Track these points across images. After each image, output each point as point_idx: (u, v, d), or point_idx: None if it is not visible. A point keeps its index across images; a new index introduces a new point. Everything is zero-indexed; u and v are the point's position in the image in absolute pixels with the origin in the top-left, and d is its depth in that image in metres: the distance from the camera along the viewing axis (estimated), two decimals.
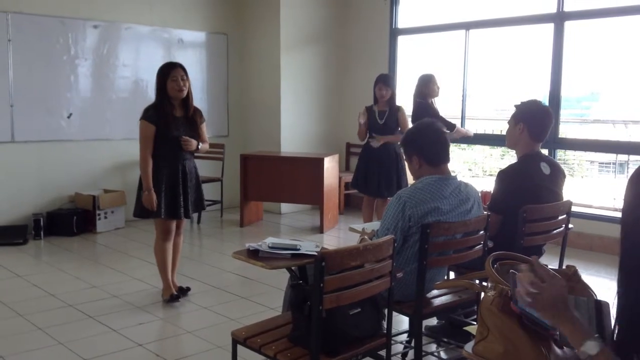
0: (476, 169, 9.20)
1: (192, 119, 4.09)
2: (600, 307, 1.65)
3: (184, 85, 3.97)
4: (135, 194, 4.19)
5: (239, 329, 2.46)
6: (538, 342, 1.53)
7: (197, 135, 4.11)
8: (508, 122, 3.33)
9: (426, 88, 5.78)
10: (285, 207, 7.51)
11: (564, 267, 3.41)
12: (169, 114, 3.98)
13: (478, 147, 8.64)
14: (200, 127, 4.15)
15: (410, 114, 5.81)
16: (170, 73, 3.97)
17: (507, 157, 10.67)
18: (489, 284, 1.66)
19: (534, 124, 3.23)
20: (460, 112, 6.90)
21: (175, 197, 4.06)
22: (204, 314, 4.03)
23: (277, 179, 6.66)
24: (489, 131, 7.63)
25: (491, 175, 9.89)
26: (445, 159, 2.87)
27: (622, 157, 8.12)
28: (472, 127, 7.16)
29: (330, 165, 6.62)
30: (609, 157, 8.38)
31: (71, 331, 3.67)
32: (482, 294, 1.64)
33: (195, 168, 4.24)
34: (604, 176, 8.84)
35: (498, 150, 9.85)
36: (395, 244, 2.37)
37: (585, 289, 1.75)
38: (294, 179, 6.60)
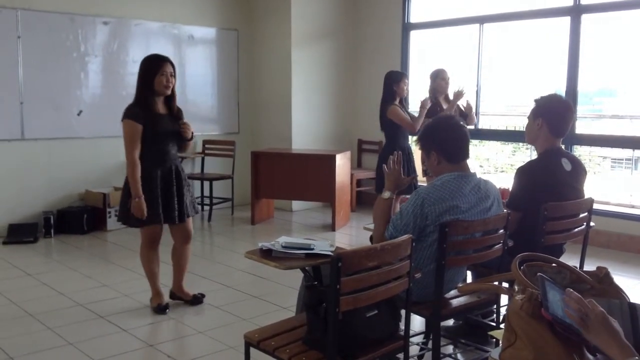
0: (487, 165, 9.08)
1: (175, 117, 3.81)
2: (635, 310, 1.56)
3: (171, 82, 3.69)
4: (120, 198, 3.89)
5: (252, 331, 2.39)
6: (570, 349, 1.44)
7: (179, 133, 3.80)
8: (527, 118, 3.23)
9: (434, 83, 5.69)
10: (296, 204, 7.44)
11: (585, 267, 3.33)
12: (154, 111, 3.68)
13: (489, 144, 8.52)
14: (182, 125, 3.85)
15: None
16: (160, 68, 3.66)
17: (519, 154, 10.53)
18: (516, 287, 1.58)
19: (554, 119, 3.13)
20: (473, 107, 6.78)
21: (170, 200, 3.77)
22: (215, 314, 3.96)
23: (288, 176, 6.59)
24: (501, 127, 7.52)
25: (502, 172, 9.76)
26: (465, 155, 2.77)
27: (638, 153, 7.96)
28: (485, 123, 7.06)
29: (342, 162, 6.54)
30: (622, 152, 8.24)
31: (81, 331, 3.62)
32: (508, 298, 1.55)
33: (183, 170, 3.93)
34: (616, 172, 8.70)
35: (509, 147, 9.72)
36: (414, 244, 2.28)
37: (618, 292, 1.67)
38: (306, 176, 6.52)
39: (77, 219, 6.10)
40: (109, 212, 6.23)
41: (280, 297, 4.24)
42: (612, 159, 8.75)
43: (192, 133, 3.84)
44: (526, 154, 10.45)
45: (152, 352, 3.35)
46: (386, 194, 2.75)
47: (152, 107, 3.70)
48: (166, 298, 4.03)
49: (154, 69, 3.68)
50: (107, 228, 6.22)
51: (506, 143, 8.41)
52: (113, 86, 6.61)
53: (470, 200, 2.66)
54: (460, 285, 1.63)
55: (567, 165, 3.15)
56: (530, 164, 3.21)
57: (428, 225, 2.56)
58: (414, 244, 2.28)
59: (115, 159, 6.66)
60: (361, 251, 2.08)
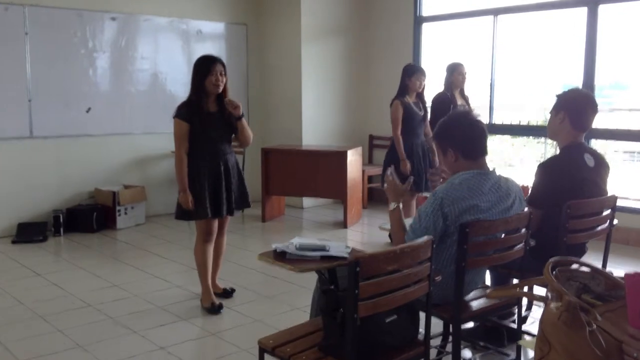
0: (497, 159, 8.95)
1: (227, 113, 3.85)
2: None
3: (221, 81, 3.77)
4: (175, 193, 3.95)
5: (267, 337, 2.30)
6: None
7: (233, 130, 3.90)
8: (549, 112, 3.11)
9: (451, 77, 5.57)
10: (307, 201, 7.36)
11: (607, 267, 3.22)
12: (203, 110, 3.79)
13: (498, 137, 8.39)
14: (238, 121, 3.91)
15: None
16: (210, 68, 3.76)
17: (529, 147, 10.38)
18: (550, 294, 1.47)
19: (576, 112, 3.02)
20: (488, 101, 6.67)
21: (218, 195, 3.85)
22: (227, 315, 3.88)
23: (299, 173, 6.50)
24: (514, 121, 7.38)
25: (511, 166, 9.62)
26: (483, 151, 2.66)
27: None
28: (498, 117, 6.93)
29: (354, 159, 6.44)
30: (634, 145, 8.10)
31: (91, 333, 3.55)
32: (537, 304, 1.45)
33: (237, 163, 4.03)
34: (627, 165, 8.57)
35: (520, 140, 9.57)
36: (434, 245, 2.18)
37: None
38: (317, 173, 6.43)
39: (86, 218, 6.05)
40: (119, 211, 6.17)
41: (294, 297, 4.15)
42: (623, 152, 8.61)
43: (241, 111, 3.84)
44: (536, 147, 10.32)
45: (164, 355, 3.28)
46: (391, 206, 2.67)
47: (203, 106, 3.78)
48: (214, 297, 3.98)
49: (204, 70, 3.77)
50: (117, 227, 6.17)
51: (516, 137, 8.27)
52: (122, 83, 6.54)
53: (491, 199, 2.56)
54: (489, 290, 1.52)
55: (590, 161, 3.04)
56: (552, 159, 3.10)
57: (449, 226, 2.46)
58: (434, 245, 2.18)
59: (125, 156, 6.62)
60: (380, 255, 1.99)
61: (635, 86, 7.28)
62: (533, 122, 9.02)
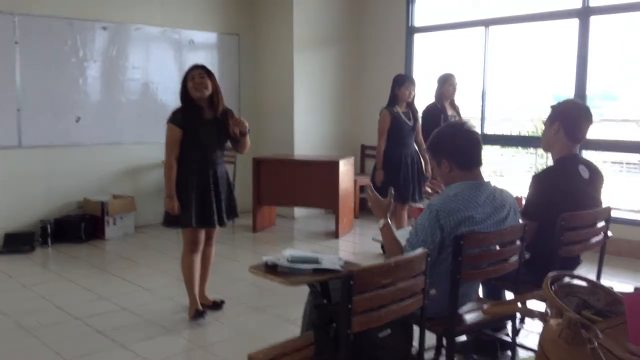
0: (487, 169, 8.95)
1: (222, 120, 3.83)
2: None
3: (201, 83, 3.72)
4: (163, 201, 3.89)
5: (257, 352, 2.24)
6: None
7: (228, 136, 3.86)
8: (544, 123, 3.09)
9: (441, 88, 5.57)
10: (298, 211, 7.31)
11: (601, 280, 3.19)
12: (197, 117, 3.75)
13: (489, 148, 8.40)
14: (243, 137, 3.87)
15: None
16: (188, 74, 3.76)
17: (518, 157, 10.39)
18: (549, 310, 1.44)
19: (571, 123, 3.00)
20: (479, 112, 6.67)
21: (206, 204, 3.80)
22: (216, 327, 3.82)
23: (290, 182, 6.46)
24: (505, 132, 7.39)
25: (501, 176, 9.62)
26: (478, 162, 2.63)
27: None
28: (490, 128, 6.92)
29: (346, 169, 6.40)
30: (622, 156, 8.13)
31: (78, 347, 3.47)
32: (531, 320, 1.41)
33: (227, 173, 3.98)
34: (617, 176, 8.58)
35: (510, 150, 9.58)
36: (429, 258, 2.14)
37: None
38: (308, 182, 6.39)
39: (74, 228, 5.97)
40: (108, 221, 6.10)
41: (284, 309, 4.09)
42: (612, 162, 8.63)
43: (245, 129, 3.78)
44: (525, 157, 10.33)
45: None
46: (380, 223, 2.61)
47: (195, 113, 3.76)
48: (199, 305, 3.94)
49: (185, 77, 3.79)
50: (105, 237, 6.09)
51: (505, 147, 8.28)
52: (112, 92, 6.48)
53: (486, 211, 2.53)
54: (486, 306, 1.48)
55: (584, 172, 3.02)
56: (546, 171, 3.08)
57: (445, 239, 2.42)
58: (429, 258, 2.14)
59: (115, 166, 6.55)
60: (374, 268, 1.95)
61: (625, 97, 7.31)
62: (523, 133, 9.04)
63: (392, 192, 2.70)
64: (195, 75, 3.74)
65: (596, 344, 1.36)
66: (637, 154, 7.42)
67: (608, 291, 1.53)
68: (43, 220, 5.92)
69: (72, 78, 6.20)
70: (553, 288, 1.51)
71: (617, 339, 1.45)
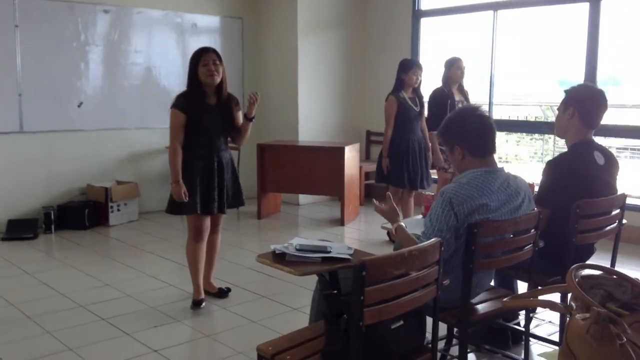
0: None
1: (226, 106, 3.76)
2: None
3: (215, 70, 3.63)
4: (169, 189, 3.83)
5: (265, 343, 2.18)
6: None
7: (231, 123, 3.80)
8: (557, 109, 3.01)
9: (449, 72, 5.46)
10: (303, 198, 7.24)
11: (616, 268, 3.12)
12: (201, 102, 3.67)
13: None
14: (237, 114, 3.82)
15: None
16: (201, 58, 3.64)
17: (522, 144, 10.30)
18: (574, 304, 1.37)
19: (586, 108, 2.92)
20: (487, 97, 6.57)
21: (210, 191, 3.73)
22: (223, 315, 3.77)
23: (295, 169, 6.38)
24: (512, 117, 7.31)
25: (507, 162, 9.54)
26: (492, 149, 2.56)
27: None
28: (497, 113, 6.83)
29: (351, 155, 6.33)
30: (625, 142, 8.07)
31: (82, 335, 3.43)
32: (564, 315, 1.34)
33: (231, 160, 3.90)
34: (622, 162, 8.53)
35: (514, 137, 9.50)
36: (443, 247, 2.07)
37: None
38: (314, 169, 6.32)
39: (78, 214, 5.91)
40: (111, 207, 6.04)
41: (291, 297, 4.04)
42: (616, 149, 8.54)
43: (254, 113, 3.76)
44: (530, 144, 10.24)
45: (157, 359, 3.16)
46: (393, 228, 2.57)
47: (200, 98, 3.67)
48: (203, 295, 3.90)
49: (196, 60, 3.66)
50: (109, 223, 6.03)
51: (510, 133, 8.19)
52: (115, 77, 6.39)
53: (500, 198, 2.45)
54: (505, 299, 1.42)
55: (599, 159, 2.94)
56: (560, 157, 3.00)
57: (459, 227, 2.35)
58: (443, 247, 2.07)
59: (118, 152, 6.48)
60: (387, 258, 1.88)
61: (628, 82, 7.20)
62: (530, 119, 8.94)
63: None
64: (210, 61, 3.63)
65: (625, 339, 1.29)
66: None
67: (635, 283, 1.46)
68: (46, 207, 5.87)
69: (74, 62, 6.11)
70: (577, 280, 1.44)
71: None
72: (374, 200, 2.76)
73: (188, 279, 3.98)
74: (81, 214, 5.92)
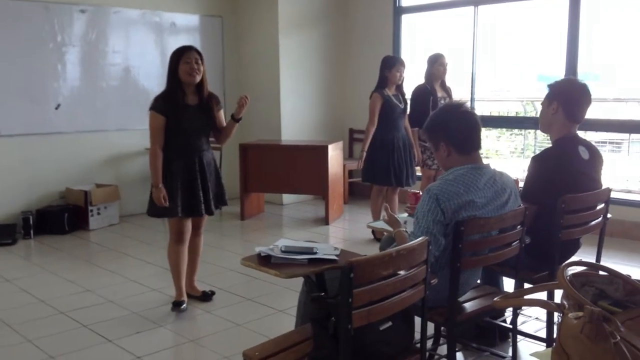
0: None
1: (206, 106, 3.70)
2: None
3: (197, 69, 3.57)
4: (149, 191, 3.76)
5: (252, 348, 2.13)
6: None
7: (212, 123, 3.75)
8: (541, 103, 3.00)
9: (431, 68, 5.44)
10: (287, 198, 7.19)
11: (601, 262, 3.11)
12: (180, 102, 3.59)
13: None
14: (218, 114, 3.76)
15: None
16: (182, 55, 3.57)
17: (503, 139, 10.33)
18: (566, 303, 1.34)
19: (570, 102, 2.91)
20: (469, 93, 6.57)
21: (194, 193, 3.66)
22: (207, 319, 3.71)
23: (278, 169, 6.33)
24: (493, 113, 7.32)
25: (487, 157, 9.56)
26: (477, 145, 2.54)
27: (621, 136, 7.84)
28: (479, 109, 6.83)
29: (335, 153, 6.29)
30: (606, 135, 8.13)
31: (63, 343, 3.34)
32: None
33: (214, 160, 3.84)
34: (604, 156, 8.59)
35: (494, 132, 9.52)
36: (432, 245, 2.04)
37: None
38: (297, 168, 6.27)
39: (57, 219, 5.80)
40: (91, 211, 5.94)
41: (276, 298, 3.99)
42: (596, 142, 8.60)
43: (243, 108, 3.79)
44: (510, 139, 10.27)
45: None
46: (394, 231, 2.59)
47: (180, 98, 3.60)
48: (185, 297, 3.85)
49: (177, 58, 3.59)
50: (89, 227, 5.93)
51: (490, 129, 8.21)
52: (93, 78, 6.28)
53: (487, 195, 2.43)
54: (496, 299, 1.39)
55: (584, 153, 2.93)
56: (545, 152, 2.98)
57: (447, 224, 2.32)
58: (430, 246, 2.04)
59: (97, 154, 6.37)
60: (375, 259, 1.84)
61: (606, 77, 7.24)
62: (512, 114, 8.97)
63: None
64: (192, 59, 3.57)
65: (618, 337, 1.27)
66: (626, 134, 7.41)
67: (627, 280, 1.44)
68: (25, 212, 5.75)
69: (51, 64, 5.99)
70: (568, 278, 1.41)
71: (638, 330, 1.36)
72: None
73: (171, 283, 3.91)
74: (60, 218, 5.80)
